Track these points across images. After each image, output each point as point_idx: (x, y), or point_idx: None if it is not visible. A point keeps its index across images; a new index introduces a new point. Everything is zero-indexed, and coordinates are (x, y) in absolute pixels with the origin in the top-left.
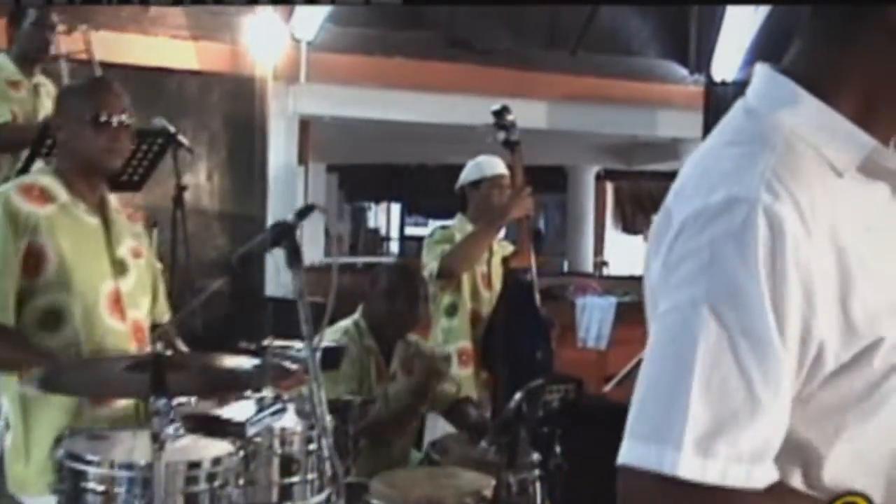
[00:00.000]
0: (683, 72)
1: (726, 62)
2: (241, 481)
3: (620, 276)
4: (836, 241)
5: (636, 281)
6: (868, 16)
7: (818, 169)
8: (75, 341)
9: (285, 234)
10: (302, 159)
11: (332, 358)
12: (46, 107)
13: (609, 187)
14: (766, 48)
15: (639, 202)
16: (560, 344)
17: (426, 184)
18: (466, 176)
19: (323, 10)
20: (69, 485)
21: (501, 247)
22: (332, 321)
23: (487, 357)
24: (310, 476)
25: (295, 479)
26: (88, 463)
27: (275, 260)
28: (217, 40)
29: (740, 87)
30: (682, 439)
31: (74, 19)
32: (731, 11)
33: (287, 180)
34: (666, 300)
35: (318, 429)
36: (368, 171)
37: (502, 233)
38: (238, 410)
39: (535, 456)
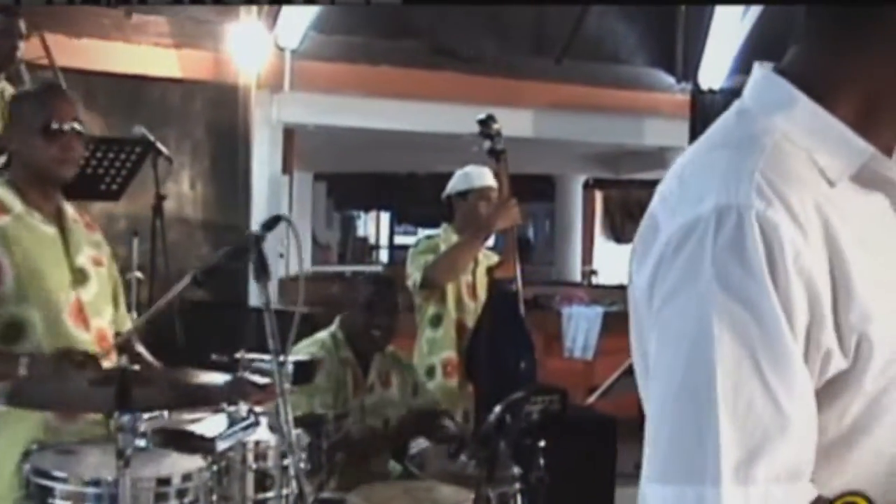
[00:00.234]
0: (670, 80)
1: (714, 70)
2: (215, 497)
3: (609, 286)
4: (830, 248)
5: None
6: (871, 17)
7: (809, 174)
8: (38, 351)
9: (251, 246)
10: (286, 168)
11: (304, 372)
12: None
13: (598, 196)
14: (754, 56)
15: (628, 211)
16: (546, 354)
17: (416, 193)
18: (454, 186)
19: (307, 18)
20: (36, 502)
21: (487, 257)
22: (317, 331)
23: (471, 368)
24: (284, 491)
25: (270, 493)
26: (55, 479)
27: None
28: (200, 48)
29: (728, 95)
30: (720, 473)
31: (31, 25)
32: (719, 19)
33: (271, 189)
34: (672, 325)
35: (284, 445)
36: (358, 179)
37: (490, 242)
38: (210, 425)
39: (516, 469)
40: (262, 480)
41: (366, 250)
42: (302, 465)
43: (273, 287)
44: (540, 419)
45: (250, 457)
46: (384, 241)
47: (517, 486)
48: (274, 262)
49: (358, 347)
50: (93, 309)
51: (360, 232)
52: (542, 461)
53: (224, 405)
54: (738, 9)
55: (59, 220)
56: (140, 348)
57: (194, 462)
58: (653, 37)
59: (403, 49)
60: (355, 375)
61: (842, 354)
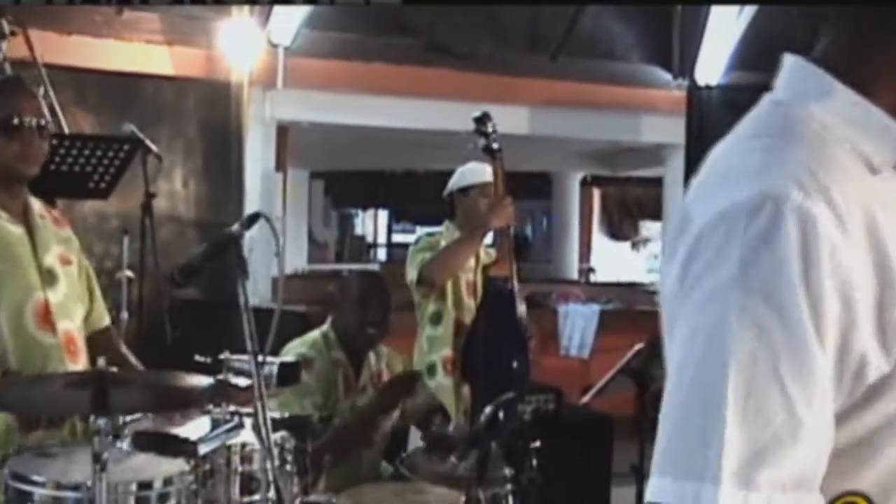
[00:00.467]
0: (667, 76)
1: (710, 66)
2: (199, 501)
3: (606, 283)
4: (873, 242)
5: (622, 288)
6: None
7: (851, 164)
8: (2, 358)
9: (229, 245)
10: (280, 166)
11: (289, 373)
12: None
13: (595, 193)
14: (751, 52)
15: (626, 208)
16: (542, 352)
17: (414, 190)
18: (455, 183)
19: (300, 15)
20: None
21: (488, 255)
22: (313, 330)
23: (466, 367)
24: (270, 494)
25: (256, 497)
26: (33, 483)
27: (251, 267)
28: (192, 45)
29: (724, 91)
30: (720, 472)
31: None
32: (715, 16)
33: (264, 187)
34: (690, 317)
35: (263, 449)
36: (355, 177)
37: (488, 239)
38: (193, 428)
39: (508, 470)
40: (248, 483)
41: (363, 248)
42: (288, 467)
43: (267, 286)
44: (533, 418)
45: (235, 459)
46: (382, 239)
47: (509, 487)
48: (269, 260)
49: (350, 347)
50: (61, 311)
51: (358, 230)
52: (534, 462)
53: (208, 407)
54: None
55: (26, 218)
56: (123, 349)
57: (176, 465)
58: (649, 33)
59: (398, 46)
60: (346, 376)
61: (883, 355)
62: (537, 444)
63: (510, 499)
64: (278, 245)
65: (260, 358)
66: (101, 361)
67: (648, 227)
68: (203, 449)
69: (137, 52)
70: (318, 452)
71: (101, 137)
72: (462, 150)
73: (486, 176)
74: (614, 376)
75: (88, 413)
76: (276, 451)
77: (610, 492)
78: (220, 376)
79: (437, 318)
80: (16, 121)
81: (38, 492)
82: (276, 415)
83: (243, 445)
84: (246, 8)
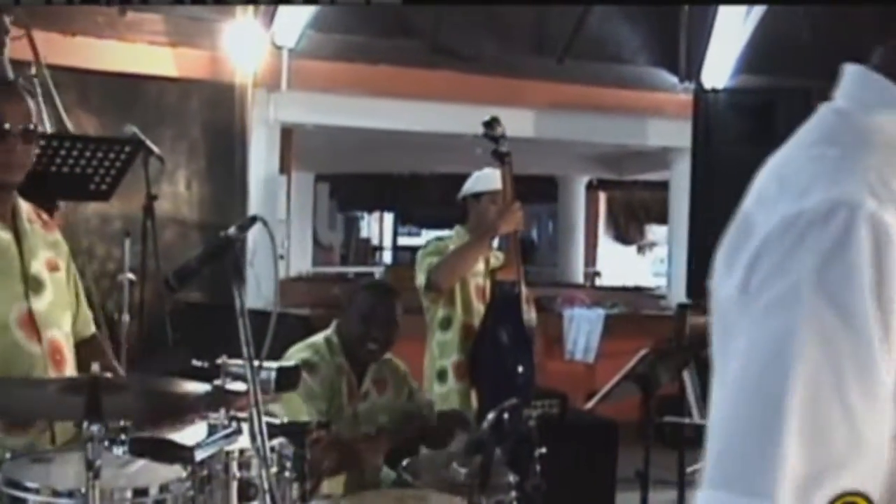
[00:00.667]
0: (673, 79)
1: (717, 69)
2: None
3: (612, 287)
4: None
5: (628, 292)
6: None
7: None
8: None
9: (225, 248)
10: (284, 168)
11: (288, 378)
12: None
13: (601, 197)
14: (758, 55)
15: (632, 212)
16: (547, 356)
17: (419, 194)
18: (469, 187)
19: (304, 17)
20: None
21: (497, 258)
22: (316, 333)
23: (473, 371)
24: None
25: (254, 503)
26: (27, 490)
27: (255, 270)
28: (196, 47)
29: (731, 94)
30: (777, 490)
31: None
32: (722, 18)
33: (268, 190)
34: (753, 325)
35: (258, 457)
36: (361, 180)
37: (495, 243)
38: (190, 433)
39: (512, 477)
40: (246, 490)
41: (369, 251)
42: (287, 473)
43: (271, 289)
44: (538, 424)
45: (234, 466)
46: (388, 242)
47: (513, 494)
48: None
49: (353, 354)
50: (46, 319)
51: (364, 233)
52: (538, 468)
53: (204, 413)
54: (741, 7)
55: (14, 223)
56: (110, 357)
57: (173, 472)
58: (655, 36)
59: (402, 48)
60: (350, 382)
61: None
62: (542, 450)
63: None
64: (275, 248)
65: (257, 363)
66: (96, 367)
67: (654, 231)
68: (200, 455)
69: (141, 53)
70: (316, 460)
71: (102, 139)
72: (465, 153)
73: (499, 184)
74: (619, 381)
75: (81, 418)
76: (274, 458)
77: (615, 498)
78: (218, 381)
79: (446, 323)
80: None
81: (32, 498)
82: (275, 420)
83: (241, 451)
84: (250, 9)
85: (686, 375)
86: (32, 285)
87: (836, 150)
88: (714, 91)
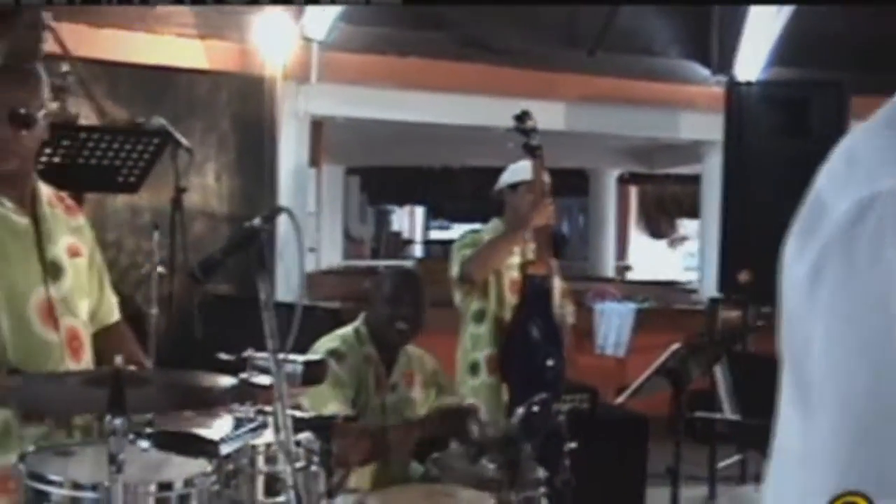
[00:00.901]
0: (705, 72)
1: (750, 62)
2: (221, 502)
3: (643, 281)
4: None
5: (659, 286)
6: None
7: None
8: (2, 355)
9: (250, 239)
10: (314, 161)
11: (314, 371)
12: None
13: (633, 190)
14: (791, 48)
15: (663, 206)
16: (577, 351)
17: (451, 187)
18: (506, 179)
19: (335, 9)
20: None
21: (533, 253)
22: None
23: (503, 366)
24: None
25: (280, 498)
26: (50, 483)
27: (284, 263)
28: (225, 39)
29: (764, 87)
30: None
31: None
32: (755, 11)
33: (297, 182)
34: (842, 317)
35: (282, 452)
36: (392, 173)
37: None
38: (216, 427)
39: (541, 472)
40: (273, 484)
41: (399, 245)
42: (313, 468)
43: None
44: (568, 419)
45: (260, 460)
46: (418, 235)
47: (542, 490)
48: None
49: (382, 343)
50: (64, 307)
51: (395, 226)
52: (568, 463)
53: (231, 407)
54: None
55: (33, 208)
56: (134, 346)
57: (198, 465)
58: (687, 29)
59: (433, 40)
60: (378, 373)
61: None
62: (572, 445)
63: (543, 502)
64: (301, 240)
65: (283, 356)
66: (119, 359)
67: (686, 225)
68: (225, 449)
69: (170, 45)
70: (341, 455)
71: (130, 131)
72: (496, 146)
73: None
74: (650, 376)
75: (104, 412)
76: (300, 452)
77: (645, 493)
78: (244, 374)
79: (480, 316)
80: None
81: (56, 491)
82: (302, 414)
83: (268, 445)
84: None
85: (717, 370)
86: (51, 271)
87: None
88: (747, 84)
